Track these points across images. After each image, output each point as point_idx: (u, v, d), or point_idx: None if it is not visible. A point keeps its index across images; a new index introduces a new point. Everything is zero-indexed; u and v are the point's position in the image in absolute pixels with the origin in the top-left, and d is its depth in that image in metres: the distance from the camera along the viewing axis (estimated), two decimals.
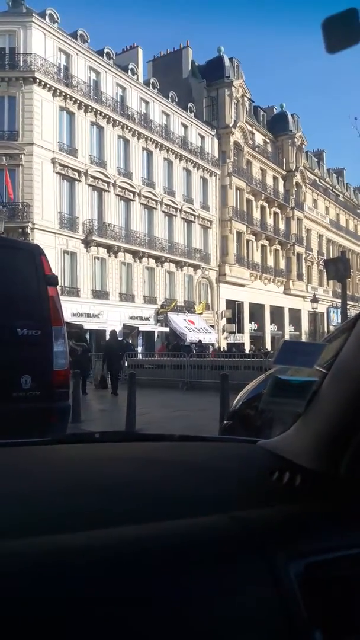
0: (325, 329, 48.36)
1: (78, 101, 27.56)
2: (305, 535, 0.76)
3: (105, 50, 30.98)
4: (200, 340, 28.97)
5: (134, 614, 0.60)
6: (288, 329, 45.17)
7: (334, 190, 56.66)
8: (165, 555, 0.67)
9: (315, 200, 51.04)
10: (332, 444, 0.90)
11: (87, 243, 27.62)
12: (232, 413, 3.39)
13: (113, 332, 16.44)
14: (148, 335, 30.66)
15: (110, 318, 27.75)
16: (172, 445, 1.35)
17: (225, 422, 3.48)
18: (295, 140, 45.97)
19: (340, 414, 0.86)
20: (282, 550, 0.71)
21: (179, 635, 0.60)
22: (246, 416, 3.03)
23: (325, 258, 51.51)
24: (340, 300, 52.68)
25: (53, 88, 26.21)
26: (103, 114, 28.95)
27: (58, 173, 26.53)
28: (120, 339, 19.94)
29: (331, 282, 52.47)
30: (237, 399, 3.29)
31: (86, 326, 24.39)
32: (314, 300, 32.83)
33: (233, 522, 0.76)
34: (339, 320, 52.23)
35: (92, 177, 28.19)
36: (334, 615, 0.69)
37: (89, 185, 28.14)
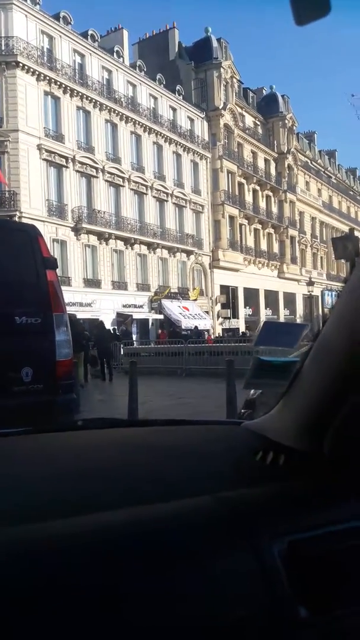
0: (320, 312, 48.28)
1: (63, 85, 26.85)
2: (288, 513, 0.77)
3: (90, 32, 30.18)
4: (196, 327, 28.70)
5: (120, 597, 0.61)
6: (283, 312, 45.03)
7: (326, 172, 56.23)
8: (151, 537, 0.69)
9: (307, 183, 50.62)
10: (314, 422, 0.89)
11: (77, 231, 27.11)
12: (250, 401, 3.24)
13: (100, 323, 17.80)
14: (142, 323, 30.32)
15: (103, 307, 27.37)
16: (156, 430, 1.35)
17: (242, 410, 3.33)
18: (286, 121, 45.40)
19: (322, 393, 0.85)
20: (265, 529, 0.73)
21: (165, 615, 0.61)
22: (264, 404, 2.80)
23: (318, 240, 51.47)
24: (335, 283, 52.83)
25: (37, 72, 25.46)
26: (89, 98, 28.26)
27: (45, 160, 25.91)
28: (109, 328, 20.53)
29: (324, 265, 52.44)
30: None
31: (79, 315, 23.94)
32: (310, 283, 32.64)
33: (217, 503, 0.77)
34: (334, 303, 51.97)
35: (80, 163, 27.59)
36: (318, 590, 0.69)
37: (77, 171, 27.56)
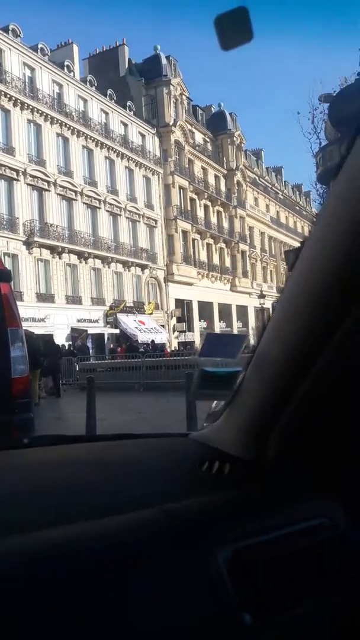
0: None
1: (13, 98, 26.43)
2: (232, 522, 0.78)
3: (40, 45, 29.96)
4: (153, 341, 28.56)
5: (66, 613, 0.61)
6: (236, 325, 45.57)
7: (273, 188, 57.74)
8: (96, 552, 0.69)
9: (256, 199, 51.78)
10: (257, 431, 0.91)
11: (28, 244, 26.55)
12: (212, 414, 3.17)
13: (49, 337, 16.95)
14: (98, 337, 29.90)
15: (57, 321, 26.81)
16: (105, 445, 1.34)
17: (205, 424, 3.26)
18: (235, 139, 46.40)
19: (263, 402, 0.86)
20: (210, 538, 0.73)
21: (114, 626, 0.62)
22: (212, 415, 2.77)
23: (268, 254, 52.59)
24: None
25: None
26: (40, 112, 27.93)
27: None
28: (57, 343, 19.57)
29: (275, 278, 53.59)
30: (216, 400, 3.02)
31: (35, 331, 23.33)
32: (261, 296, 33.18)
33: (164, 515, 0.77)
34: None
35: (31, 176, 27.13)
36: (263, 596, 0.71)
37: (28, 184, 27.08)
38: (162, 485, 0.94)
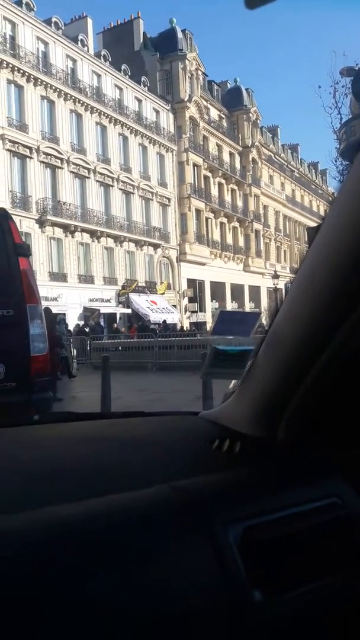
0: None
1: (27, 74, 26.08)
2: (243, 500, 0.79)
3: (53, 19, 29.44)
4: (164, 321, 28.54)
5: (73, 589, 0.62)
6: (248, 305, 45.35)
7: (289, 166, 56.78)
8: (104, 529, 0.69)
9: (271, 177, 50.99)
10: (268, 410, 0.91)
11: (41, 223, 26.48)
12: (229, 395, 3.13)
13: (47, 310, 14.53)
14: (110, 317, 29.94)
15: (69, 301, 26.86)
16: (114, 422, 1.34)
17: (222, 403, 3.23)
18: (251, 115, 45.53)
19: (276, 381, 0.87)
20: (220, 516, 0.74)
21: (123, 605, 0.62)
22: (223, 393, 2.74)
23: (282, 234, 52.00)
24: None
25: None
26: (53, 87, 27.57)
27: (8, 150, 25.16)
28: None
29: (289, 258, 53.07)
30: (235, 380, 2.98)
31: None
32: (275, 276, 32.87)
33: (173, 492, 0.77)
34: None
35: (45, 153, 26.92)
36: (273, 574, 0.71)
37: (42, 162, 26.88)
38: (172, 463, 0.94)
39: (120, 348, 18.36)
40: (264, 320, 1.09)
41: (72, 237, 28.38)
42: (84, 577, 0.63)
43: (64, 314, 20.30)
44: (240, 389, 1.01)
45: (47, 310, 12.39)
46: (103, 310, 29.00)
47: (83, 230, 28.85)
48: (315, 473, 0.87)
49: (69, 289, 27.39)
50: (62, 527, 0.68)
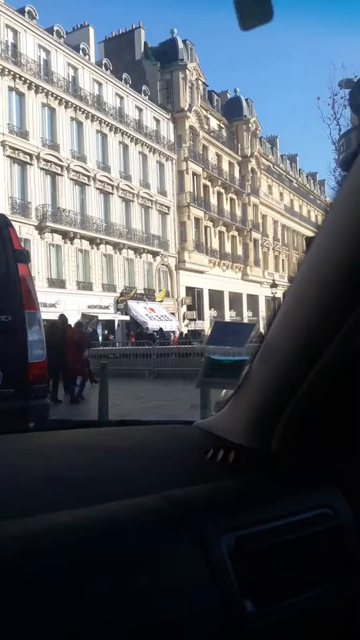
0: None
1: (28, 81, 26.22)
2: (235, 510, 0.79)
3: (55, 28, 29.64)
4: (161, 329, 28.51)
5: (65, 598, 0.61)
6: (246, 314, 45.38)
7: (287, 176, 57.06)
8: (96, 538, 0.68)
9: (270, 186, 51.22)
10: (262, 420, 0.91)
11: (41, 229, 26.51)
12: (219, 403, 3.12)
13: (62, 317, 12.38)
14: (108, 324, 29.91)
15: (67, 307, 26.75)
16: (109, 431, 1.34)
17: (213, 413, 3.22)
18: (250, 125, 45.80)
19: (270, 391, 0.87)
20: (213, 525, 0.74)
21: (113, 613, 0.62)
22: (217, 403, 2.74)
23: (280, 243, 52.15)
24: None
25: (1, 66, 24.77)
26: (55, 95, 27.70)
27: (8, 156, 25.23)
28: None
29: (287, 268, 53.18)
30: (225, 389, 2.97)
31: (42, 316, 23.29)
32: (273, 285, 32.93)
33: (166, 501, 0.77)
34: None
35: (45, 160, 27.00)
36: (264, 584, 0.72)
37: (42, 169, 26.96)
38: (165, 472, 0.93)
39: (117, 355, 18.32)
40: (261, 329, 1.11)
41: (72, 243, 28.41)
42: (75, 585, 0.62)
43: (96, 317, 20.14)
44: (234, 399, 1.01)
45: (62, 317, 11.89)
46: (101, 317, 28.97)
47: (82, 237, 28.89)
48: (308, 483, 0.86)
49: (67, 295, 27.36)
50: (53, 536, 0.67)
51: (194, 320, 37.06)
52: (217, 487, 0.85)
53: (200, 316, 38.13)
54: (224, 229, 42.45)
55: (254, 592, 0.70)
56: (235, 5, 0.82)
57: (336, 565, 0.77)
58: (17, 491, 0.84)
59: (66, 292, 27.55)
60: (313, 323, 0.74)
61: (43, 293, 25.63)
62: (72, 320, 25.81)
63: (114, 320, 30.27)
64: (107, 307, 30.19)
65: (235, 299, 43.90)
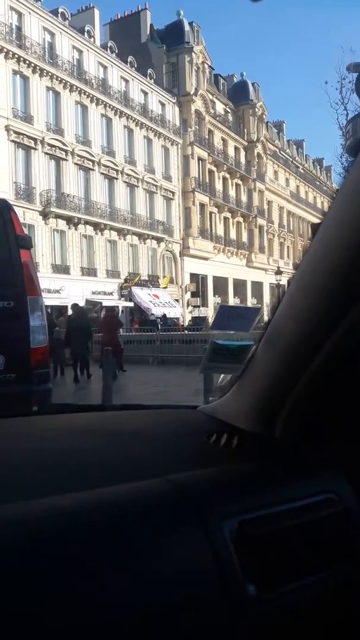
0: None
1: (32, 64, 25.95)
2: (239, 494, 0.79)
3: (60, 10, 29.26)
4: (164, 315, 28.53)
5: (67, 581, 0.61)
6: (250, 301, 45.26)
7: (294, 161, 56.51)
8: (99, 521, 0.69)
9: (276, 172, 50.78)
10: (267, 405, 0.91)
11: (45, 215, 26.44)
12: (219, 389, 3.13)
13: (76, 307, 13.25)
14: (109, 310, 29.89)
15: (72, 293, 26.83)
16: (112, 415, 1.35)
17: (211, 399, 3.24)
18: (256, 110, 45.28)
19: (275, 376, 0.87)
20: (216, 509, 0.74)
21: (118, 596, 0.62)
22: (221, 388, 2.75)
23: (285, 230, 51.84)
24: None
25: (5, 49, 24.51)
26: (59, 79, 27.44)
27: (12, 141, 25.08)
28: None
29: (292, 254, 52.91)
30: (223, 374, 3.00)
31: (46, 302, 23.34)
32: (278, 272, 32.79)
33: (169, 485, 0.77)
34: None
35: (49, 145, 26.84)
36: (267, 568, 0.72)
37: (46, 153, 26.80)
38: (169, 456, 0.94)
39: (122, 341, 18.36)
40: (264, 316, 1.11)
41: (76, 229, 28.34)
42: (78, 569, 0.63)
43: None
44: (238, 384, 1.00)
45: (76, 306, 12.63)
46: (105, 304, 29.00)
47: (86, 222, 28.79)
48: (312, 469, 0.87)
49: (71, 282, 27.38)
50: (56, 518, 0.67)
51: (198, 307, 37.03)
52: (221, 471, 0.86)
53: (205, 303, 38.07)
54: (229, 215, 42.19)
55: (257, 577, 0.71)
56: None
57: (340, 551, 0.78)
58: (19, 475, 0.84)
59: (70, 278, 27.56)
60: (318, 308, 0.74)
61: (47, 279, 25.68)
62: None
63: (118, 307, 30.30)
64: (111, 294, 30.19)
65: (240, 285, 43.78)
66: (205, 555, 0.69)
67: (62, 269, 27.53)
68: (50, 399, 4.29)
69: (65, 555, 0.63)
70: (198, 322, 27.91)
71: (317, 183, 61.86)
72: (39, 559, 0.62)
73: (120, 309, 30.21)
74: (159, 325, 22.39)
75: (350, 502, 0.82)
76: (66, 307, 19.91)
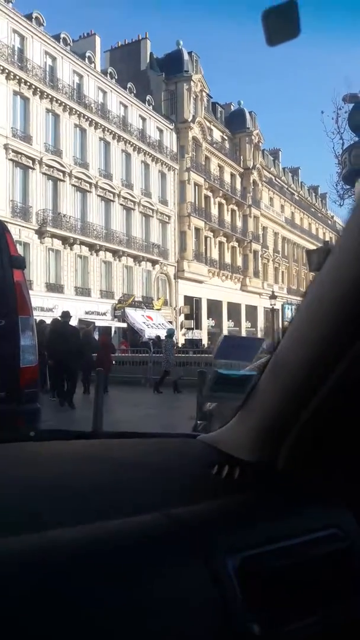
0: (280, 325, 48.93)
1: (33, 86, 26.40)
2: (242, 529, 0.77)
3: (62, 35, 29.91)
4: (158, 336, 28.46)
5: (65, 617, 0.60)
6: (244, 325, 45.40)
7: (289, 188, 57.37)
8: (95, 558, 0.66)
9: (271, 199, 51.48)
10: (270, 436, 0.89)
11: (41, 234, 26.55)
12: (205, 413, 3.09)
13: (56, 321, 11.69)
14: (106, 330, 29.81)
15: None
16: (109, 443, 1.31)
17: (198, 422, 3.20)
18: (253, 137, 46.12)
19: (279, 407, 0.85)
20: (219, 546, 0.72)
21: (117, 633, 0.61)
22: (221, 417, 2.67)
23: (280, 255, 52.35)
24: (295, 297, 54.19)
25: (6, 71, 24.97)
26: (59, 101, 27.89)
27: (11, 160, 25.35)
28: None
29: (286, 280, 53.33)
30: None
31: (39, 319, 23.19)
32: (273, 296, 33.00)
33: (170, 519, 0.75)
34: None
35: (47, 165, 27.12)
36: (271, 606, 0.70)
37: (44, 174, 27.07)
38: (168, 488, 0.90)
39: (113, 362, 18.25)
40: (263, 345, 1.09)
41: (71, 249, 28.44)
42: (75, 608, 0.61)
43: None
44: (241, 414, 0.99)
45: (63, 320, 11.60)
46: (98, 324, 28.90)
47: (82, 243, 28.93)
48: (316, 502, 0.85)
49: (64, 301, 27.26)
50: (46, 555, 0.65)
51: (192, 329, 37.03)
52: (223, 504, 0.83)
53: (198, 325, 38.12)
54: (224, 239, 42.58)
55: (261, 615, 0.68)
56: (263, 20, 0.83)
57: (346, 588, 0.75)
58: (14, 505, 0.80)
59: (64, 297, 27.52)
60: (325, 337, 0.72)
61: (40, 297, 25.61)
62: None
63: (110, 327, 30.22)
64: (104, 314, 30.16)
65: (234, 309, 43.95)
66: (208, 593, 0.67)
67: (56, 287, 27.52)
68: (40, 419, 4.22)
69: (62, 594, 0.61)
70: (192, 344, 27.85)
71: (312, 210, 62.75)
72: (37, 591, 0.60)
73: (114, 329, 30.14)
74: (152, 347, 22.28)
75: (356, 537, 0.79)
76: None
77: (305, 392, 0.78)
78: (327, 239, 51.27)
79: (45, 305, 25.63)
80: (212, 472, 0.96)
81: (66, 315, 11.49)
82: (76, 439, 1.32)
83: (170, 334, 15.50)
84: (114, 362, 17.65)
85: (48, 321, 12.26)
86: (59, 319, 11.58)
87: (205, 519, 0.77)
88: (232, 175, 44.51)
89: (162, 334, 29.92)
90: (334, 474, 0.87)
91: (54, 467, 1.02)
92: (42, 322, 11.93)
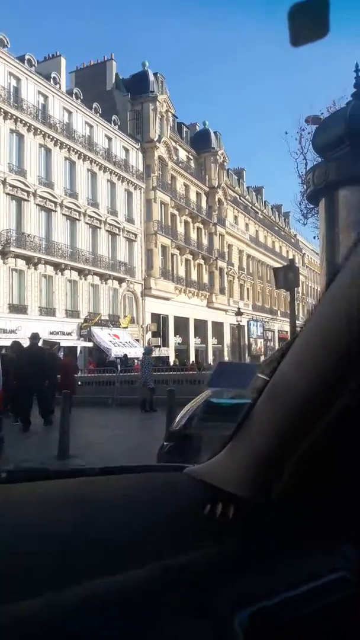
0: (246, 342, 49.36)
1: None
2: (246, 578, 0.72)
3: (27, 57, 29.90)
4: (125, 355, 28.31)
5: None
6: (211, 342, 45.65)
7: (253, 207, 58.50)
8: (80, 625, 0.60)
9: (236, 217, 52.35)
10: (266, 468, 0.82)
11: (3, 254, 26.18)
12: (172, 434, 3.04)
13: (17, 344, 12.06)
14: (70, 350, 29.46)
15: (29, 333, 26.28)
16: (90, 481, 1.21)
17: (164, 443, 3.14)
18: (218, 157, 46.97)
19: (276, 436, 0.79)
20: (222, 599, 0.66)
21: None
22: (188, 437, 2.67)
23: (245, 272, 53.10)
24: (260, 314, 54.60)
25: None
26: (23, 122, 27.79)
27: None
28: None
29: (251, 296, 54.05)
30: (177, 418, 3.02)
31: (1, 342, 22.73)
32: (239, 313, 33.35)
33: (165, 574, 0.69)
34: (259, 333, 53.90)
35: (11, 185, 26.87)
36: None
37: (7, 194, 26.80)
38: (159, 534, 0.84)
39: (79, 382, 18.05)
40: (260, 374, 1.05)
41: (35, 269, 28.13)
42: None
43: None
44: (232, 445, 0.92)
45: (17, 344, 11.50)
46: (63, 344, 28.52)
47: (47, 262, 28.66)
48: (321, 542, 0.79)
49: (28, 322, 26.88)
50: (47, 616, 0.60)
51: (159, 347, 36.97)
52: (220, 550, 0.77)
53: (166, 343, 38.11)
54: (190, 257, 42.96)
55: None
56: (289, 17, 0.75)
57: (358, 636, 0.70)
58: None
59: (27, 318, 27.08)
60: (328, 365, 0.68)
61: (3, 319, 25.21)
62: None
63: (76, 347, 29.88)
64: (69, 334, 29.82)
65: (201, 326, 44.18)
66: None
67: (19, 308, 27.10)
68: (3, 446, 4.17)
69: None
70: (159, 362, 27.74)
71: (276, 228, 64.06)
72: None
73: (79, 349, 29.79)
74: (119, 366, 22.14)
75: None
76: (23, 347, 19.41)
77: (307, 420, 0.73)
78: (291, 256, 52.29)
79: (8, 327, 25.25)
80: (205, 511, 0.89)
81: (35, 337, 11.52)
82: (54, 478, 1.23)
83: (148, 351, 15.54)
84: (79, 383, 17.50)
85: (8, 343, 12.39)
86: (19, 341, 11.55)
87: (204, 570, 0.72)
88: (198, 194, 45.14)
89: (130, 352, 29.89)
90: (339, 509, 0.80)
91: (33, 514, 0.93)
92: (17, 343, 11.92)
